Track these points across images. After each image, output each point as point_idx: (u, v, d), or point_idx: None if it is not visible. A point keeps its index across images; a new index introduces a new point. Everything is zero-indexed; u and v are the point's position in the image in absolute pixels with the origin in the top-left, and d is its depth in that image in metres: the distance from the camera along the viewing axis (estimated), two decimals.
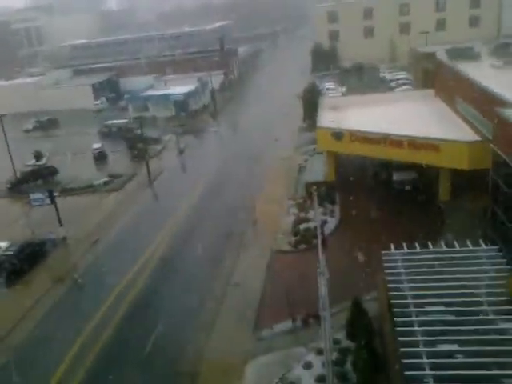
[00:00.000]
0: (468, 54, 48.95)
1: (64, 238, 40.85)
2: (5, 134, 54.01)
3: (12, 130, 66.96)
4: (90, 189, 51.10)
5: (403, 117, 43.87)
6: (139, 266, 35.08)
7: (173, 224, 41.06)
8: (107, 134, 69.91)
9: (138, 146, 57.75)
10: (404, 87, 68.50)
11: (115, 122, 71.97)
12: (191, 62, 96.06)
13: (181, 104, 77.37)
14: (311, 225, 35.75)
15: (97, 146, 62.29)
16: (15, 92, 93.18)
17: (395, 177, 39.89)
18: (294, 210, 39.91)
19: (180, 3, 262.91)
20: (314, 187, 36.28)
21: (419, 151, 36.22)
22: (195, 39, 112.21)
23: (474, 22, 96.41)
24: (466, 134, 36.76)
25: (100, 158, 60.79)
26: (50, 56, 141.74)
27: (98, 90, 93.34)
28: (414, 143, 36.58)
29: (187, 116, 75.62)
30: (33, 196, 42.75)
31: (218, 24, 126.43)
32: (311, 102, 57.83)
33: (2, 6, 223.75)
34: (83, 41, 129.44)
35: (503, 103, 32.32)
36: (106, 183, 51.97)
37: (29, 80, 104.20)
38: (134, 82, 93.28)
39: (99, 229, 42.10)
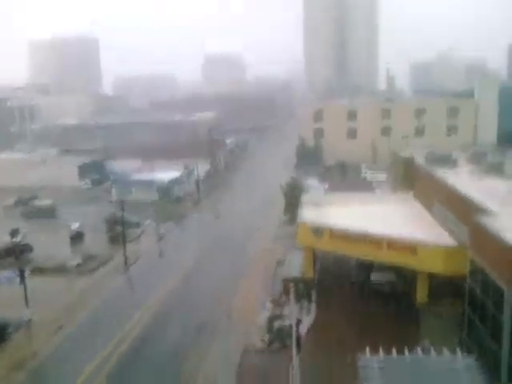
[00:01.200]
0: (446, 160, 50.86)
1: (29, 321, 38.95)
2: None
3: None
4: (63, 270, 49.64)
5: (383, 217, 44.41)
6: (100, 360, 33.19)
7: (144, 314, 39.56)
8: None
9: (117, 228, 57.12)
10: (384, 188, 70.33)
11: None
12: (179, 149, 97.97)
13: (165, 190, 77.89)
14: (287, 322, 34.70)
15: (75, 225, 61.49)
16: (1, 167, 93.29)
17: (373, 277, 39.66)
18: (269, 306, 38.97)
19: (173, 93, 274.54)
20: (292, 283, 35.93)
21: (397, 252, 36.34)
22: (185, 128, 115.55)
23: (451, 130, 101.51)
24: (443, 238, 37.17)
25: (77, 238, 59.81)
26: (41, 134, 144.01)
27: (83, 170, 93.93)
28: (393, 244, 36.78)
29: (170, 202, 75.83)
30: (1, 274, 41.41)
31: (207, 115, 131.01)
32: (293, 196, 58.75)
33: (2, 85, 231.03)
34: (74, 121, 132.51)
35: (480, 210, 33.06)
36: (79, 265, 50.70)
37: (16, 156, 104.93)
38: (120, 166, 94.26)
39: (67, 313, 40.36)
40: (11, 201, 79.17)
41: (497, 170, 45.65)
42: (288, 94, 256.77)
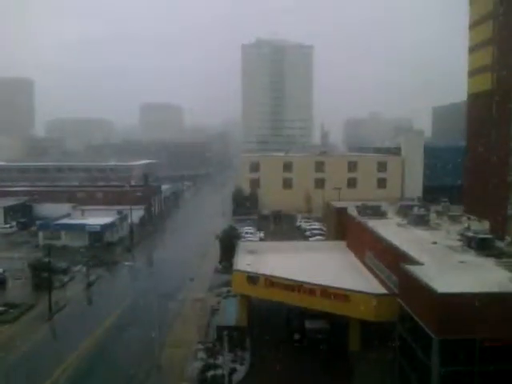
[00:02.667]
0: (376, 212, 53.06)
1: None
2: None
3: None
4: None
5: (317, 265, 45.21)
6: None
7: (66, 366, 37.11)
8: None
9: (43, 274, 54.18)
10: (318, 237, 72.01)
11: None
12: (113, 194, 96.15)
13: (96, 235, 75.43)
14: (219, 372, 33.84)
15: None
16: None
17: (307, 325, 39.80)
18: (202, 355, 37.88)
19: (109, 137, 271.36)
20: (226, 332, 35.34)
21: (331, 300, 36.89)
22: (120, 173, 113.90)
23: (381, 183, 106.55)
24: (374, 286, 38.28)
25: None
26: None
27: (9, 213, 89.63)
28: (326, 292, 37.34)
29: (102, 248, 73.33)
30: None
31: (143, 161, 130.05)
32: (229, 244, 58.67)
33: None
34: (1, 163, 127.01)
35: (407, 259, 34.48)
36: (0, 313, 47.29)
37: None
38: (50, 209, 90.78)
39: None
40: None
41: (421, 222, 48.17)
42: (224, 144, 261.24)
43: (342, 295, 36.36)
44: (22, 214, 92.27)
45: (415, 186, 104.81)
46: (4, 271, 58.56)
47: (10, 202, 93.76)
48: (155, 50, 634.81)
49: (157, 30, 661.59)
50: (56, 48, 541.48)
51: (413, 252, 35.68)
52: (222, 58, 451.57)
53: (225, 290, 51.90)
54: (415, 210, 52.29)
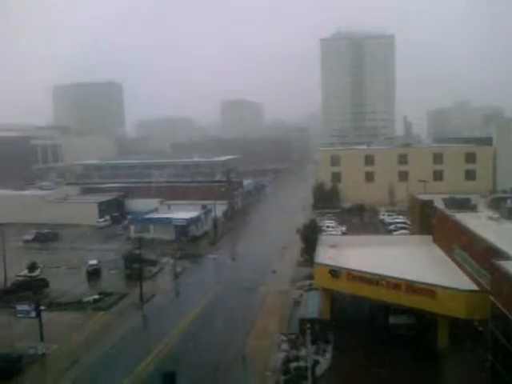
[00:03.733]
0: (465, 205, 50.67)
1: (43, 355, 38.82)
2: (2, 243, 53.85)
3: (12, 239, 67.29)
4: (79, 305, 49.68)
5: (401, 260, 44.06)
6: None
7: (158, 352, 39.16)
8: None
9: (134, 265, 57.30)
10: (402, 231, 69.91)
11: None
12: (197, 189, 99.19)
13: (182, 229, 78.36)
14: (302, 364, 34.08)
15: (93, 262, 61.84)
16: (22, 202, 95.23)
17: (391, 320, 38.95)
18: (285, 347, 38.34)
19: (192, 135, 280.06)
20: (308, 324, 35.43)
21: (416, 296, 35.82)
22: (203, 169, 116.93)
23: (470, 175, 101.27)
24: (464, 282, 36.66)
25: (94, 274, 60.06)
26: (63, 172, 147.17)
27: (103, 208, 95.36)
28: (411, 287, 36.30)
29: (187, 241, 76.10)
30: (18, 307, 41.61)
31: (225, 157, 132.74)
32: (310, 237, 58.60)
33: (25, 123, 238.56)
34: (95, 161, 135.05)
35: (501, 256, 32.68)
36: (95, 301, 50.68)
37: (37, 192, 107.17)
38: (139, 204, 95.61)
39: (81, 348, 40.14)
40: (31, 236, 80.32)
41: None
42: (305, 138, 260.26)
43: (429, 291, 35.15)
44: (115, 209, 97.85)
45: (508, 178, 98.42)
46: (99, 262, 62.51)
47: (104, 197, 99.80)
48: (233, 47, 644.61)
49: (232, 27, 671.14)
50: (137, 49, 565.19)
51: (506, 247, 33.79)
52: (301, 51, 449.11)
53: (307, 283, 51.95)
54: (509, 202, 49.41)
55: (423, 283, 35.80)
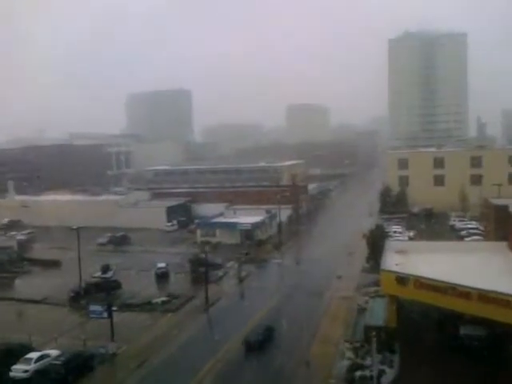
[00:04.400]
0: None
1: (113, 354, 40.54)
2: (79, 246, 56.80)
3: (87, 242, 70.84)
4: (148, 306, 51.49)
5: (473, 268, 42.04)
6: None
7: (224, 354, 39.81)
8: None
9: (200, 269, 58.56)
10: (474, 237, 66.76)
11: None
12: (262, 194, 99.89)
13: (247, 233, 79.21)
14: (367, 373, 33.35)
15: (161, 265, 63.82)
16: (97, 207, 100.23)
17: (462, 331, 37.21)
18: (349, 355, 37.70)
19: (258, 140, 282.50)
20: (374, 332, 34.61)
21: (489, 305, 33.95)
22: (268, 174, 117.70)
23: None
24: None
25: (162, 277, 61.97)
26: (134, 178, 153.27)
27: (171, 212, 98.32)
28: (484, 297, 34.45)
29: (252, 245, 76.77)
30: (91, 308, 43.63)
31: (291, 162, 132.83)
32: (377, 243, 57.35)
33: (100, 132, 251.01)
34: (165, 167, 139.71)
35: None
36: (163, 303, 52.28)
37: (111, 198, 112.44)
38: (206, 209, 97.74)
39: (150, 349, 41.52)
40: (105, 239, 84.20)
41: None
42: (372, 142, 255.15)
43: (504, 300, 33.26)
44: (182, 214, 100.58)
45: None
46: (167, 265, 64.42)
47: (172, 202, 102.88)
48: (298, 52, 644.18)
49: (298, 30, 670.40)
50: (205, 58, 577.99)
51: None
52: (368, 53, 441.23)
53: (372, 289, 50.82)
54: None
55: (497, 292, 33.93)
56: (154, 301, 52.60)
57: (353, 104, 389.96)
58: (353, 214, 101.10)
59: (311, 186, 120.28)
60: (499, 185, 76.85)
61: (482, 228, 68.98)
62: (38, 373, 36.94)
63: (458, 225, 77.80)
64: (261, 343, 40.44)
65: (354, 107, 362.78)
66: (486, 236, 61.21)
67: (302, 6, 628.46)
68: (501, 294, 33.77)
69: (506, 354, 34.44)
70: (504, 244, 48.32)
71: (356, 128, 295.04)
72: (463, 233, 71.42)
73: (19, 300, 55.83)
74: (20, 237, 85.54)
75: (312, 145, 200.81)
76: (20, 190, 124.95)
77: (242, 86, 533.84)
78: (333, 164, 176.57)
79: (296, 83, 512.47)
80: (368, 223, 73.36)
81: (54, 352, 39.42)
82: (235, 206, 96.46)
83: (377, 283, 48.20)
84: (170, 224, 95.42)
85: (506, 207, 52.36)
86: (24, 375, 36.93)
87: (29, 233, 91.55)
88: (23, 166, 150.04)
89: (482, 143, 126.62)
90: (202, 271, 57.61)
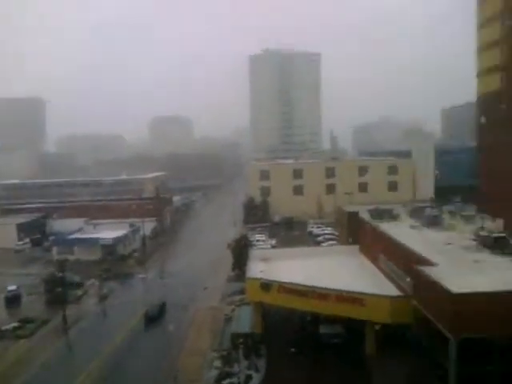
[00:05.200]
0: (388, 215, 52.63)
1: None
2: None
3: None
4: None
5: (330, 270, 44.88)
6: None
7: (85, 375, 37.27)
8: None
9: (56, 289, 54.40)
10: (330, 242, 71.56)
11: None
12: (125, 207, 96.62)
13: (109, 248, 75.64)
14: (235, 380, 33.57)
15: (12, 287, 58.12)
16: None
17: (322, 330, 39.43)
18: (217, 364, 37.65)
19: (120, 152, 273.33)
20: (241, 339, 35.10)
21: (345, 305, 36.50)
22: (131, 186, 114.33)
23: (392, 186, 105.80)
24: (389, 289, 37.83)
25: (13, 300, 56.45)
26: None
27: (22, 230, 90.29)
28: (340, 297, 36.97)
29: (115, 261, 73.45)
30: None
31: (154, 174, 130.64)
32: (241, 252, 58.53)
33: None
34: (15, 181, 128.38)
35: (422, 261, 34.09)
36: (15, 328, 47.55)
37: None
38: (63, 224, 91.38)
39: (2, 378, 37.36)
40: None
41: (435, 223, 47.68)
42: (234, 154, 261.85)
43: (357, 299, 35.97)
44: (36, 231, 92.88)
45: (427, 188, 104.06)
46: (18, 287, 58.86)
47: (24, 219, 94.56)
48: (162, 61, 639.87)
49: (162, 42, 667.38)
50: (63, 66, 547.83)
51: (427, 253, 35.30)
52: (229, 69, 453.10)
53: (238, 297, 51.63)
54: (428, 211, 51.79)
55: (351, 292, 36.57)
56: (4, 327, 47.63)
57: (215, 117, 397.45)
58: (217, 225, 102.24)
59: (175, 198, 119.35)
60: (350, 193, 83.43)
61: (336, 233, 74.11)
62: None
63: (316, 231, 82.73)
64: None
65: (217, 120, 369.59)
66: (340, 240, 65.82)
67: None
68: (354, 292, 36.49)
69: (358, 346, 37.10)
70: (356, 247, 52.43)
71: (219, 140, 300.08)
72: (320, 238, 76.10)
73: None
74: None
75: (176, 157, 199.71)
76: None
77: (104, 97, 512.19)
78: (196, 176, 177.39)
79: (160, 94, 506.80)
80: (232, 233, 74.59)
81: None
82: (96, 221, 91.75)
83: (242, 291, 49.12)
84: (21, 243, 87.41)
85: (356, 214, 56.84)
86: None
87: None
88: None
89: (335, 155, 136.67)
90: (58, 291, 53.62)
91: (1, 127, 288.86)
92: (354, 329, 37.91)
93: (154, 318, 49.01)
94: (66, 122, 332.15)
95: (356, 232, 54.38)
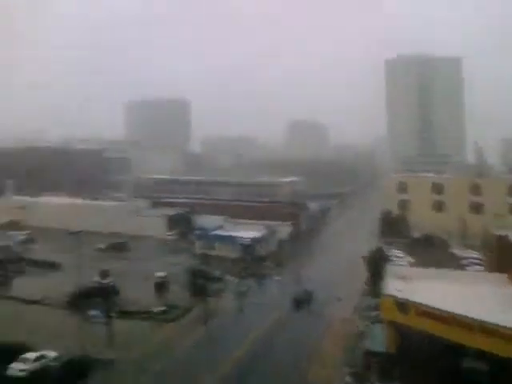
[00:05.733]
0: None
1: (111, 361, 40.34)
2: (78, 250, 56.74)
3: (86, 246, 70.66)
4: (147, 315, 51.38)
5: (475, 298, 42.24)
6: None
7: (220, 368, 39.79)
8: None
9: (199, 281, 58.49)
10: (476, 267, 67.00)
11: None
12: (262, 209, 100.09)
13: (247, 248, 79.16)
14: None
15: (160, 274, 63.67)
16: (96, 212, 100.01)
17: (465, 364, 37.08)
18: (349, 380, 37.66)
19: (257, 155, 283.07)
20: (374, 358, 34.67)
21: (492, 338, 34.17)
22: (267, 189, 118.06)
23: None
24: None
25: (161, 286, 61.77)
26: (134, 185, 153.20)
27: (171, 222, 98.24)
28: (486, 329, 34.67)
29: (252, 261, 76.58)
30: (91, 312, 43.51)
31: (290, 178, 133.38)
32: (377, 266, 57.57)
33: (98, 137, 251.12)
34: (165, 176, 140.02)
35: None
36: (162, 312, 52.17)
37: (112, 204, 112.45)
38: (205, 220, 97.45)
39: (147, 357, 41.45)
40: (104, 245, 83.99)
41: None
42: (372, 162, 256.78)
43: (506, 334, 33.48)
44: (183, 224, 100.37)
45: None
46: (166, 274, 64.23)
47: (173, 211, 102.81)
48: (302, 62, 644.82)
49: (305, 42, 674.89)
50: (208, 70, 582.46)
51: None
52: (367, 73, 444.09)
53: (373, 313, 50.85)
54: None
55: (499, 326, 34.15)
56: (153, 310, 52.47)
57: (353, 124, 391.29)
58: (352, 234, 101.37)
59: (310, 204, 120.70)
60: (500, 215, 77.38)
61: (483, 258, 69.25)
62: (35, 373, 36.98)
63: (459, 253, 78.05)
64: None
65: (355, 127, 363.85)
66: (487, 267, 61.48)
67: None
68: (503, 327, 33.96)
69: None
70: (504, 276, 48.62)
71: (355, 148, 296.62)
72: (464, 262, 71.77)
73: (17, 299, 55.66)
74: (19, 237, 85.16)
75: (312, 162, 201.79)
76: (18, 191, 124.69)
77: (239, 100, 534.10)
78: (332, 183, 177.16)
79: (295, 99, 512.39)
80: (367, 245, 73.49)
81: (51, 353, 39.33)
82: (235, 220, 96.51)
83: (377, 307, 48.32)
84: (170, 233, 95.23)
85: (506, 238, 52.81)
86: (21, 374, 37.00)
87: (27, 233, 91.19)
88: (22, 166, 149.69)
89: (481, 170, 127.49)
90: (200, 283, 57.60)
91: (150, 126, 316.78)
92: (502, 367, 35.26)
93: (302, 302, 56.41)
94: (209, 123, 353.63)
95: (506, 258, 50.49)
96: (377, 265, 58.61)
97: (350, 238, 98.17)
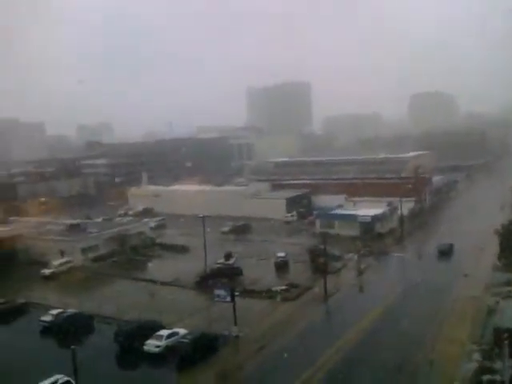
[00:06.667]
0: None
1: (236, 337, 42.46)
2: (204, 233, 60.09)
3: (212, 230, 74.69)
4: (268, 294, 53.00)
5: None
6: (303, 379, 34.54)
7: (338, 347, 39.79)
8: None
9: (319, 260, 58.82)
10: None
11: None
12: (383, 186, 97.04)
13: (367, 226, 77.71)
14: (497, 378, 31.26)
15: (281, 254, 65.10)
16: (221, 197, 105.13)
17: None
18: (477, 357, 35.55)
19: (379, 131, 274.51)
20: (506, 335, 32.23)
21: None
22: (390, 165, 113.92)
23: None
24: None
25: (282, 265, 63.21)
26: (255, 169, 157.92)
27: (290, 203, 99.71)
28: None
29: (372, 238, 75.09)
30: (216, 292, 45.97)
31: (413, 153, 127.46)
32: (510, 240, 53.17)
33: (223, 125, 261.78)
34: (284, 159, 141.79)
35: None
36: (283, 291, 53.45)
37: (234, 188, 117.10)
38: (324, 200, 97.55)
39: (269, 334, 42.88)
40: (227, 228, 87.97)
41: None
42: (502, 131, 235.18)
43: None
44: (302, 205, 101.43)
45: None
46: (286, 254, 65.54)
47: (291, 193, 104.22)
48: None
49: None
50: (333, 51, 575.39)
51: None
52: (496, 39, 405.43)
53: (505, 289, 47.22)
54: None
55: None
56: (274, 289, 53.95)
57: (481, 92, 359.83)
58: (481, 208, 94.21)
59: (436, 178, 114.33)
60: None
61: None
62: (168, 349, 40.03)
63: None
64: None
65: (483, 95, 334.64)
66: None
67: None
68: None
69: None
70: None
71: (486, 117, 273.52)
72: None
73: (152, 281, 60.62)
74: (152, 223, 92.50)
75: (437, 135, 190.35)
76: (152, 181, 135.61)
77: (362, 78, 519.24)
78: (460, 155, 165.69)
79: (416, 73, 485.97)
80: (499, 219, 67.89)
81: (182, 331, 42.40)
82: (354, 198, 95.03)
83: (510, 283, 44.84)
84: (289, 215, 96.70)
85: None
86: (156, 350, 40.27)
87: (160, 220, 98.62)
88: (155, 158, 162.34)
89: None
90: (320, 262, 57.89)
91: (271, 111, 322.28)
92: None
93: (445, 253, 63.97)
94: (330, 104, 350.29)
95: None
96: (510, 238, 54.15)
97: (477, 212, 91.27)
